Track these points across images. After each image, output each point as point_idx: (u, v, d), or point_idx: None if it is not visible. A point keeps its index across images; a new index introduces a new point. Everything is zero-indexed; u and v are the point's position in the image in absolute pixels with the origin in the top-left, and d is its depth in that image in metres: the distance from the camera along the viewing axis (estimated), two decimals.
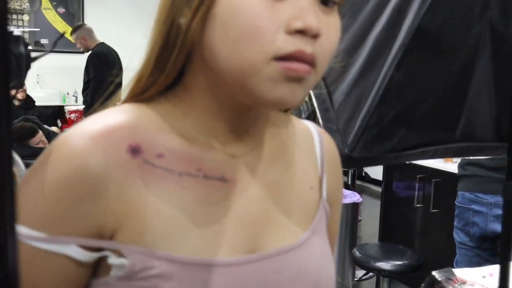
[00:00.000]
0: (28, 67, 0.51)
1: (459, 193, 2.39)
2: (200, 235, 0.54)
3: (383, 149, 1.06)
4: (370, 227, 4.82)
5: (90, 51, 4.92)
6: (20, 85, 0.51)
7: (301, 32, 0.49)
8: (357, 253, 3.00)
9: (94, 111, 0.57)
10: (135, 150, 0.53)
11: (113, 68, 4.86)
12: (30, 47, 0.53)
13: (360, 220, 4.87)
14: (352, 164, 1.07)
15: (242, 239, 0.57)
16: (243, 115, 0.58)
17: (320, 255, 0.62)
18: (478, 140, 1.16)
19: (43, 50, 6.39)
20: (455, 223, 2.41)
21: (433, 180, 3.44)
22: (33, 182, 0.51)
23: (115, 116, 0.55)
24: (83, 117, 4.93)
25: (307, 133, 0.69)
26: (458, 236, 2.39)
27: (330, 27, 0.52)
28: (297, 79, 0.51)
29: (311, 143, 0.68)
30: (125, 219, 0.52)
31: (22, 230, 0.49)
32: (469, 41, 1.06)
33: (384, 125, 1.04)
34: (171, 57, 0.55)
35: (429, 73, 1.06)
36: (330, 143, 0.71)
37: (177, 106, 0.58)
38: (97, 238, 0.52)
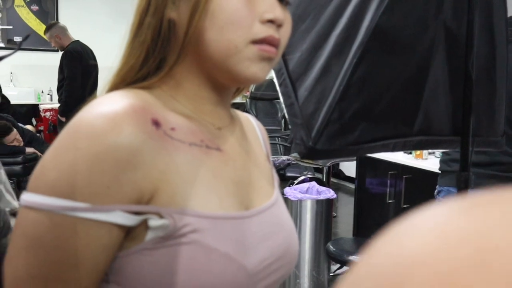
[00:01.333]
0: None
1: (443, 188, 2.44)
2: (215, 194, 0.63)
3: (345, 142, 1.12)
4: (345, 223, 4.89)
5: (65, 49, 4.86)
6: None
7: (271, 22, 0.63)
8: (331, 248, 3.06)
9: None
10: (157, 123, 0.60)
11: (87, 66, 4.84)
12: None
13: (335, 216, 4.95)
14: (316, 156, 1.12)
15: (241, 198, 0.68)
16: (221, 95, 0.69)
17: (286, 212, 0.76)
18: (436, 134, 1.23)
19: (16, 48, 6.32)
20: None
21: (404, 176, 3.53)
22: (67, 158, 0.54)
23: (128, 97, 0.60)
24: (58, 115, 4.87)
25: (247, 120, 0.84)
26: None
27: (286, 20, 0.67)
28: (267, 59, 0.64)
29: (253, 126, 0.84)
30: (159, 184, 0.58)
31: (63, 203, 0.53)
32: (424, 41, 1.12)
33: (345, 120, 1.10)
34: (165, 49, 0.65)
35: (387, 71, 1.12)
36: (262, 127, 0.88)
37: (164, 90, 0.67)
38: (137, 204, 0.57)
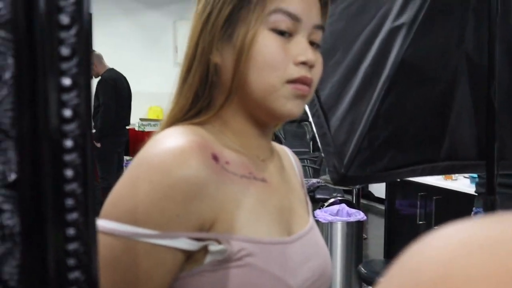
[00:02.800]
0: None
1: (480, 210, 2.43)
2: (264, 221, 0.70)
3: (375, 168, 1.18)
4: (376, 245, 4.85)
5: (100, 77, 4.96)
6: None
7: (303, 63, 0.70)
8: (363, 270, 3.06)
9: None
10: (216, 158, 0.67)
11: (121, 94, 4.96)
12: None
13: (366, 238, 4.91)
14: (348, 182, 1.19)
15: (284, 225, 0.74)
16: (263, 130, 0.76)
17: (320, 236, 0.82)
18: (462, 159, 1.28)
19: None
20: None
21: (434, 198, 3.53)
22: (142, 189, 0.61)
23: (188, 134, 0.67)
24: (93, 141, 4.96)
25: (283, 151, 0.91)
26: None
27: (318, 61, 0.73)
28: (301, 97, 0.71)
29: (288, 157, 0.91)
30: (219, 213, 0.65)
31: (138, 230, 0.59)
32: (448, 71, 1.18)
33: (375, 147, 1.17)
34: (213, 90, 0.73)
35: (414, 100, 1.18)
36: (296, 157, 0.94)
37: (215, 126, 0.74)
38: (199, 231, 0.63)
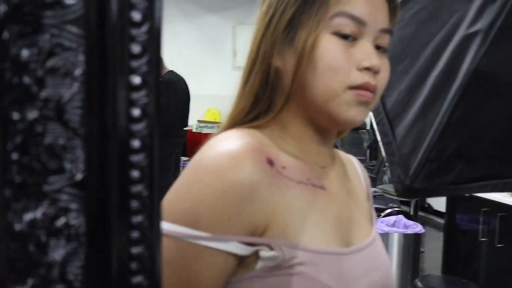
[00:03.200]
0: None
1: None
2: (320, 230, 0.68)
3: (443, 181, 1.13)
4: (433, 259, 4.71)
5: (160, 79, 5.07)
6: None
7: (367, 69, 0.68)
8: (419, 284, 2.98)
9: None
10: (271, 162, 0.66)
11: (181, 96, 5.05)
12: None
13: (423, 251, 4.78)
14: (413, 194, 1.14)
15: (342, 235, 0.72)
16: (324, 136, 0.74)
17: (383, 250, 0.79)
18: None
19: None
20: None
21: (498, 214, 3.37)
22: (196, 192, 0.61)
23: (245, 137, 0.67)
24: None
25: (349, 160, 0.88)
26: None
27: (384, 67, 0.71)
28: (364, 103, 0.69)
29: (354, 167, 0.88)
30: (272, 218, 0.64)
31: (190, 232, 0.60)
32: None
33: (444, 159, 1.11)
34: (273, 94, 0.72)
35: (488, 110, 1.12)
36: (363, 168, 0.91)
37: (273, 130, 0.73)
38: (251, 235, 0.63)
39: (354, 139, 5.89)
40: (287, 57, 0.70)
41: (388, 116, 1.15)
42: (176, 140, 5.19)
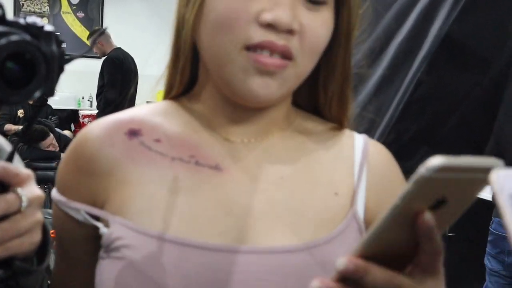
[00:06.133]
0: (61, 70, 0.44)
1: (495, 219, 2.31)
2: (180, 216, 0.57)
3: (402, 169, 0.97)
4: None
5: (106, 56, 4.92)
6: (50, 92, 0.44)
7: (272, 25, 0.52)
8: None
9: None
10: (133, 133, 0.61)
11: (127, 73, 4.88)
12: (64, 45, 0.45)
13: None
14: None
15: (228, 228, 0.56)
16: (240, 112, 0.60)
17: (329, 268, 0.48)
18: (509, 162, 1.07)
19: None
20: (488, 250, 2.32)
21: None
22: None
23: (134, 109, 0.65)
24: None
25: (349, 144, 0.65)
26: (490, 263, 2.31)
27: (315, 24, 0.54)
28: (269, 73, 0.53)
29: (350, 153, 0.64)
30: (112, 193, 0.59)
31: (55, 195, 0.62)
32: (503, 55, 0.98)
33: (403, 142, 0.97)
34: (181, 59, 0.61)
35: (456, 87, 0.98)
36: (380, 155, 0.65)
37: (191, 102, 0.64)
38: (93, 206, 0.61)
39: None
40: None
41: None
42: None
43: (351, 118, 0.97)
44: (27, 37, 0.41)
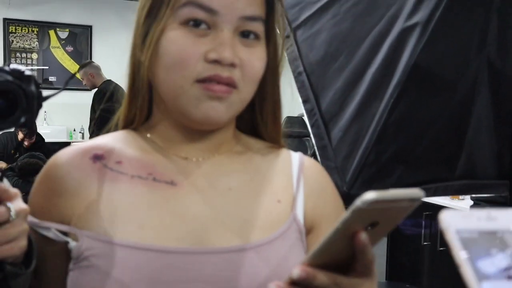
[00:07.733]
0: (39, 106, 0.55)
1: None
2: (140, 225, 0.64)
3: (382, 187, 1.04)
4: (377, 265, 4.73)
5: (97, 88, 4.94)
6: (31, 124, 0.54)
7: (217, 61, 0.63)
8: None
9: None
10: (97, 158, 0.69)
11: (118, 105, 4.88)
12: (54, 79, 0.58)
13: None
14: (350, 202, 1.05)
15: (183, 234, 0.65)
16: (193, 134, 0.70)
17: (273, 263, 0.65)
18: (480, 178, 1.14)
19: (51, 87, 6.45)
20: None
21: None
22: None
23: (98, 137, 0.73)
24: None
25: (287, 159, 0.76)
26: None
27: (252, 57, 0.66)
28: (217, 98, 0.64)
29: (288, 167, 0.75)
30: (78, 210, 0.66)
31: (29, 218, 0.62)
32: (467, 78, 1.05)
33: (382, 163, 1.03)
34: (139, 97, 0.70)
35: (427, 110, 1.05)
36: (313, 168, 0.77)
37: (148, 131, 0.73)
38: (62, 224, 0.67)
39: (298, 147, 5.87)
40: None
41: (323, 118, 1.06)
42: None
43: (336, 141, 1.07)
44: (10, 78, 0.51)
